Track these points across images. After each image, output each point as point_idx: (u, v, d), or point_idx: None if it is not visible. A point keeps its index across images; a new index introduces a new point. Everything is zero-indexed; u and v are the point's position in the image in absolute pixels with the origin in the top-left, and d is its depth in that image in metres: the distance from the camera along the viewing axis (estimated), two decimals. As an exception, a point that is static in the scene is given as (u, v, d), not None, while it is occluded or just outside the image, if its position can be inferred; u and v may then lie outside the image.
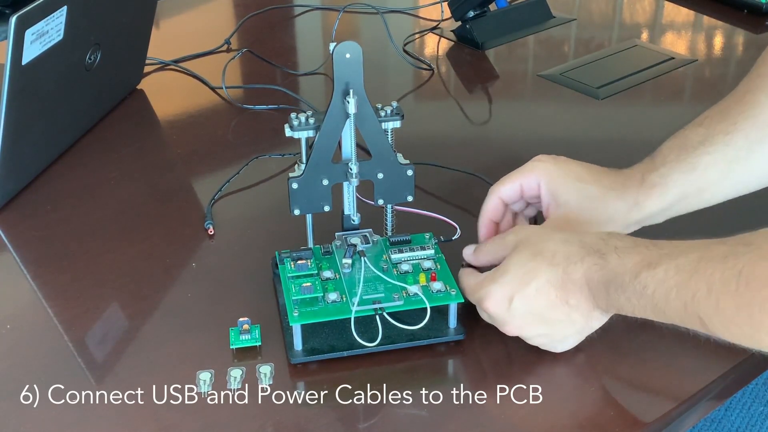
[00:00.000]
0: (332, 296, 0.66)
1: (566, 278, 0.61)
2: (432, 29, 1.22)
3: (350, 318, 0.64)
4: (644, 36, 1.24)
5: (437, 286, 0.66)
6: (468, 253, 0.69)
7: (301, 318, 0.64)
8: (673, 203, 0.69)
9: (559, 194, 0.70)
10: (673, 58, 1.13)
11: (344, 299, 0.66)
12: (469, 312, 0.67)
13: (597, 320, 0.64)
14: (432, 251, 0.70)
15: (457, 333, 0.67)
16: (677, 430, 0.63)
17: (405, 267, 0.68)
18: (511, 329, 0.64)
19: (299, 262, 0.68)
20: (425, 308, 0.64)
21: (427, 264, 0.69)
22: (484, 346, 0.67)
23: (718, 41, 1.24)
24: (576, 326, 0.63)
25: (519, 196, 0.72)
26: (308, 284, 0.66)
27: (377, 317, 0.64)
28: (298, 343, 0.66)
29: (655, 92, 1.07)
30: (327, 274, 0.68)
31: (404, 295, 0.65)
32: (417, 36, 1.21)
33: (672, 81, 1.09)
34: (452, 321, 0.67)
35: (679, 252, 0.57)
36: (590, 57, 1.14)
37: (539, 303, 0.62)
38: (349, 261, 0.68)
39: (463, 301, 0.66)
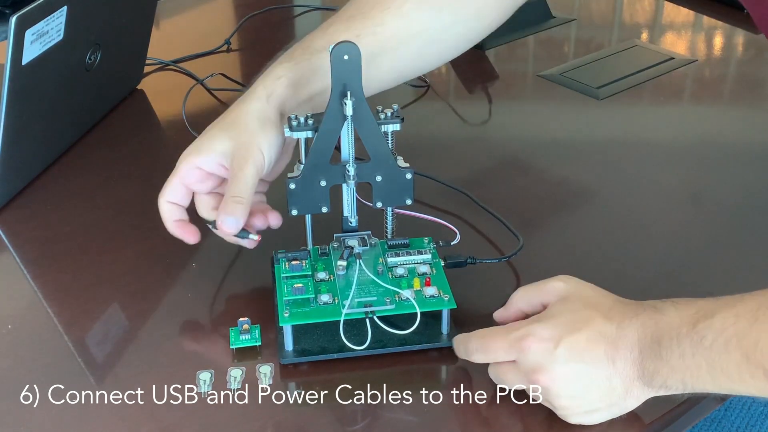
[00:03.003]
0: (324, 298, 0.66)
1: (619, 334, 0.57)
2: (432, 29, 1.21)
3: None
4: (644, 36, 1.24)
5: (431, 291, 0.66)
6: (499, 312, 0.66)
7: (291, 319, 0.64)
8: (301, 98, 0.71)
9: (237, 159, 0.69)
10: (673, 58, 1.13)
11: (336, 301, 0.65)
12: (462, 317, 0.67)
13: (634, 398, 0.59)
14: (429, 256, 0.69)
15: (450, 339, 0.66)
16: (677, 430, 0.63)
17: (400, 271, 0.68)
18: (546, 378, 0.58)
19: (293, 262, 0.68)
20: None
21: (423, 269, 0.68)
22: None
23: (718, 41, 1.24)
24: (612, 397, 0.58)
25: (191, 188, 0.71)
26: (299, 285, 0.66)
27: (367, 320, 0.64)
28: (288, 344, 0.66)
29: (655, 92, 1.07)
30: (321, 275, 0.68)
31: (397, 299, 0.65)
32: (417, 36, 1.20)
33: (672, 81, 1.09)
34: (445, 327, 0.67)
35: (736, 301, 0.55)
36: (590, 57, 1.14)
37: (586, 355, 0.58)
38: (344, 263, 0.68)
39: (455, 307, 0.66)
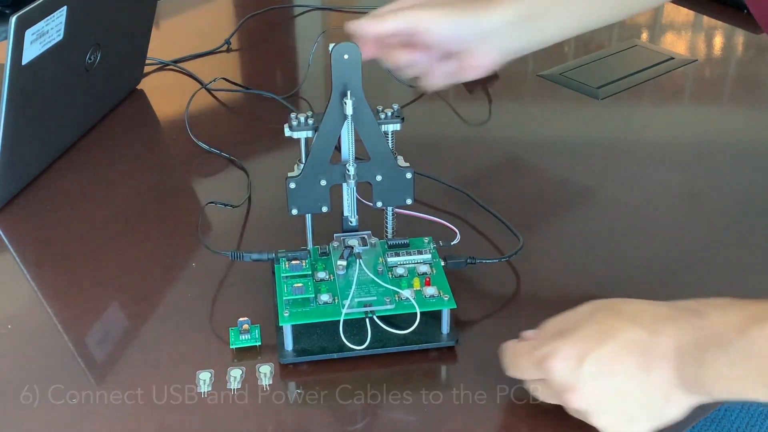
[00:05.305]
0: (324, 297, 0.65)
1: (652, 340, 0.54)
2: (432, 29, 1.21)
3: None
4: (644, 36, 1.24)
5: (431, 291, 0.66)
6: (529, 332, 0.61)
7: (291, 318, 0.64)
8: (516, 20, 0.71)
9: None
10: (673, 58, 1.13)
11: (336, 301, 0.65)
12: (462, 317, 0.67)
13: (675, 406, 0.55)
14: (429, 256, 0.69)
15: (450, 339, 0.66)
16: (677, 431, 0.63)
17: (400, 270, 0.68)
18: (576, 397, 0.55)
19: (293, 262, 0.68)
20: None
21: (423, 268, 0.68)
22: (480, 348, 0.66)
23: (718, 41, 1.24)
24: (652, 406, 0.55)
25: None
26: (299, 285, 0.66)
27: (367, 320, 0.64)
28: (288, 344, 0.66)
29: (655, 92, 1.07)
30: (321, 275, 0.68)
31: (397, 299, 0.65)
32: (417, 36, 1.20)
33: (672, 81, 1.09)
34: (445, 327, 0.67)
35: None
36: (590, 57, 1.14)
37: (614, 368, 0.54)
38: (344, 263, 0.68)
39: (455, 307, 0.65)
